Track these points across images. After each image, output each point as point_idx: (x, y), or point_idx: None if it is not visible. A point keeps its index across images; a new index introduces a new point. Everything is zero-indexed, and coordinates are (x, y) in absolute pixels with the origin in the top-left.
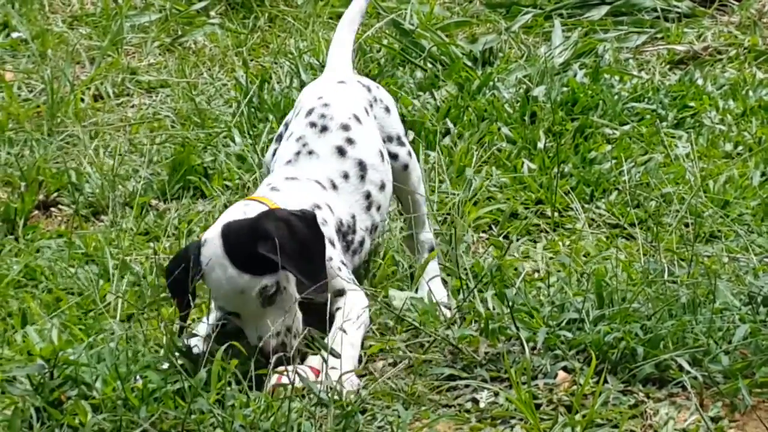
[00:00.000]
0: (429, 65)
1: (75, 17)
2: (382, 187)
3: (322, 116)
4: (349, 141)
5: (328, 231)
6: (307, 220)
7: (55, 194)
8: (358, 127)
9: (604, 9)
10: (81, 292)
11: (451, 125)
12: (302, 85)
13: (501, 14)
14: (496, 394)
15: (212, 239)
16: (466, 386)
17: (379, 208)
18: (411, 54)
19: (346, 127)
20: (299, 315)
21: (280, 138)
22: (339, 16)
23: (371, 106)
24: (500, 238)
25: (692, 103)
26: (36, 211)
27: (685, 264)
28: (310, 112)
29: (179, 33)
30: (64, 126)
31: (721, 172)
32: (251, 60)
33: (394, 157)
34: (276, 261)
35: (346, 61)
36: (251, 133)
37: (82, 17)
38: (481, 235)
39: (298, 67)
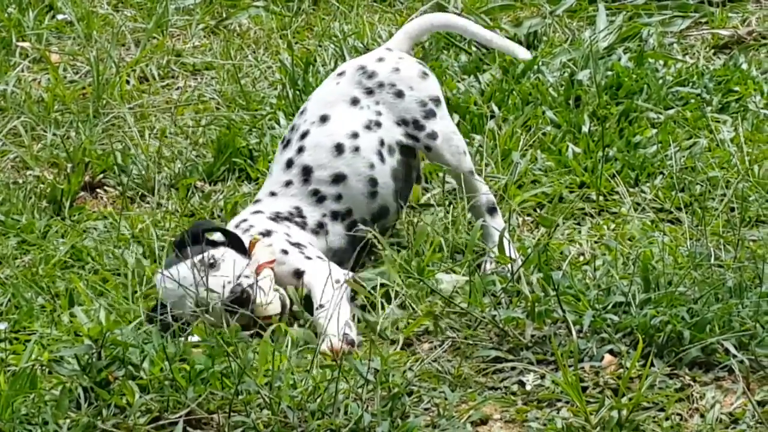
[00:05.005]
0: (474, 49)
1: None
2: (337, 180)
3: (292, 130)
4: (300, 150)
5: (261, 220)
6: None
7: (101, 175)
8: (318, 129)
9: None
10: (127, 273)
11: (495, 109)
12: None
13: None
14: (543, 377)
15: None
16: (513, 369)
17: (339, 198)
18: (456, 37)
19: (303, 135)
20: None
21: None
22: None
23: (370, 93)
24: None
25: (737, 88)
26: (82, 192)
27: (731, 248)
28: (291, 129)
29: (224, 15)
30: (109, 108)
31: (766, 157)
32: (296, 43)
33: (414, 138)
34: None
35: (395, 39)
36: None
37: None
38: (526, 218)
39: (343, 50)
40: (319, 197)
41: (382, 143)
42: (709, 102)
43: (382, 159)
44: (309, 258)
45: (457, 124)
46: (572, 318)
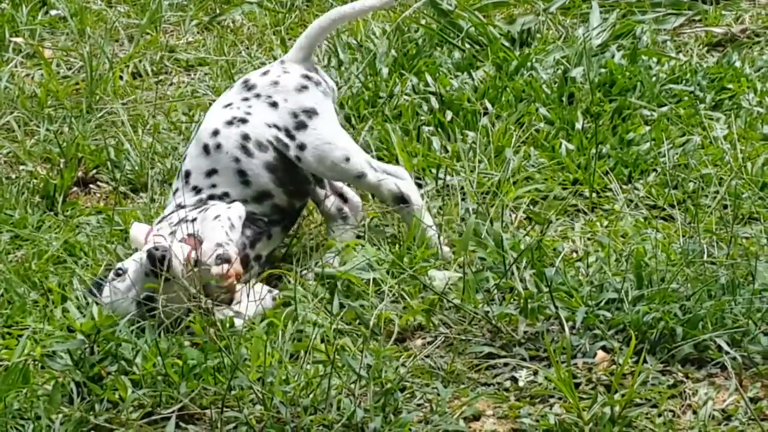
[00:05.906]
0: (467, 46)
1: None
2: (209, 174)
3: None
4: (185, 158)
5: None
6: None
7: (94, 171)
8: (199, 130)
9: None
10: None
11: (489, 105)
12: (340, 64)
13: None
14: (535, 373)
15: None
16: (505, 365)
17: (214, 186)
18: (449, 34)
19: (190, 141)
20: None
21: None
22: None
23: (245, 99)
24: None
25: (730, 86)
26: (75, 188)
27: (723, 245)
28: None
29: (217, 11)
30: (102, 103)
31: (759, 154)
32: (289, 39)
33: (285, 146)
34: None
35: (290, 52)
36: None
37: None
38: (519, 214)
39: (336, 46)
40: (197, 190)
41: (246, 138)
42: (702, 99)
43: (248, 153)
44: (194, 220)
45: (451, 121)
46: (565, 314)
